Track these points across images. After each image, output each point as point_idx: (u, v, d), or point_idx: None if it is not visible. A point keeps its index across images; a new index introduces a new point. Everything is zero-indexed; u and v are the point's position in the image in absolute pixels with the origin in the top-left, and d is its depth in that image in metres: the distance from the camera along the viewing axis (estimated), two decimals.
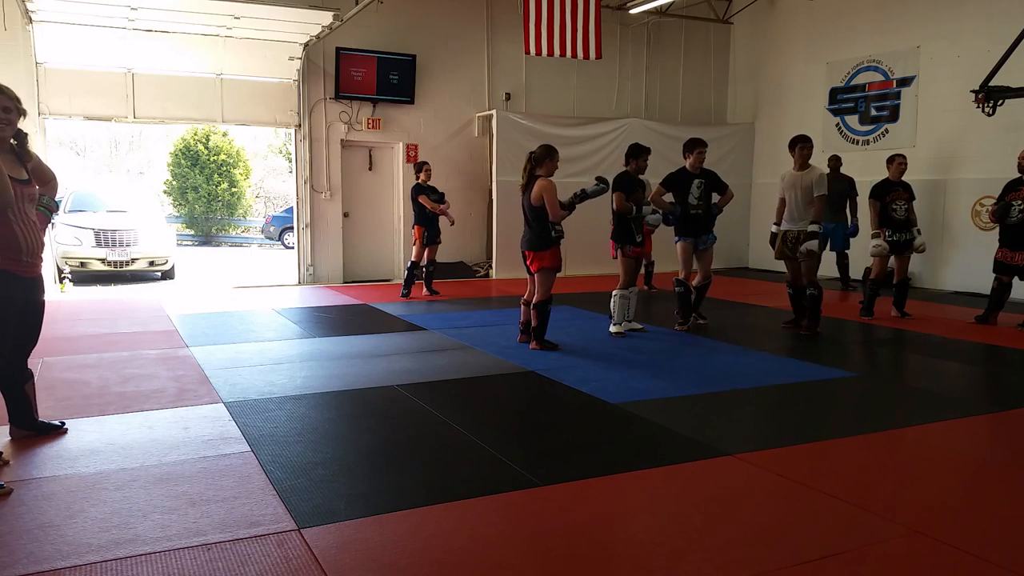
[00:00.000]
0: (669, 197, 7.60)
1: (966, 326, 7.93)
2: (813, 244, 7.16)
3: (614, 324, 7.32)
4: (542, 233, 6.48)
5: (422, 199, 9.62)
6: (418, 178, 9.71)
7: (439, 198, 9.79)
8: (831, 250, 10.81)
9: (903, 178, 8.24)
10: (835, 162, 10.69)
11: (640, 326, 7.55)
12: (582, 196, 6.60)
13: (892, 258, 8.27)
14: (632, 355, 6.49)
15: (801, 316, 7.60)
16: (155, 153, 31.67)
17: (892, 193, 8.14)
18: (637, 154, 7.24)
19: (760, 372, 5.92)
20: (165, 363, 6.07)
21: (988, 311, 8.02)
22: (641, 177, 7.37)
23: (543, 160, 6.47)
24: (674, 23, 13.59)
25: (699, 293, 7.84)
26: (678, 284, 7.70)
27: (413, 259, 9.94)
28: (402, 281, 10.27)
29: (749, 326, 8.04)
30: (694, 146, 7.58)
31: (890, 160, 8.33)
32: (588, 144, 12.39)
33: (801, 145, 7.26)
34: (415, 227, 9.84)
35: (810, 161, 7.32)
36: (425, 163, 9.84)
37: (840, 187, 10.57)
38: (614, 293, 7.30)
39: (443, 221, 9.90)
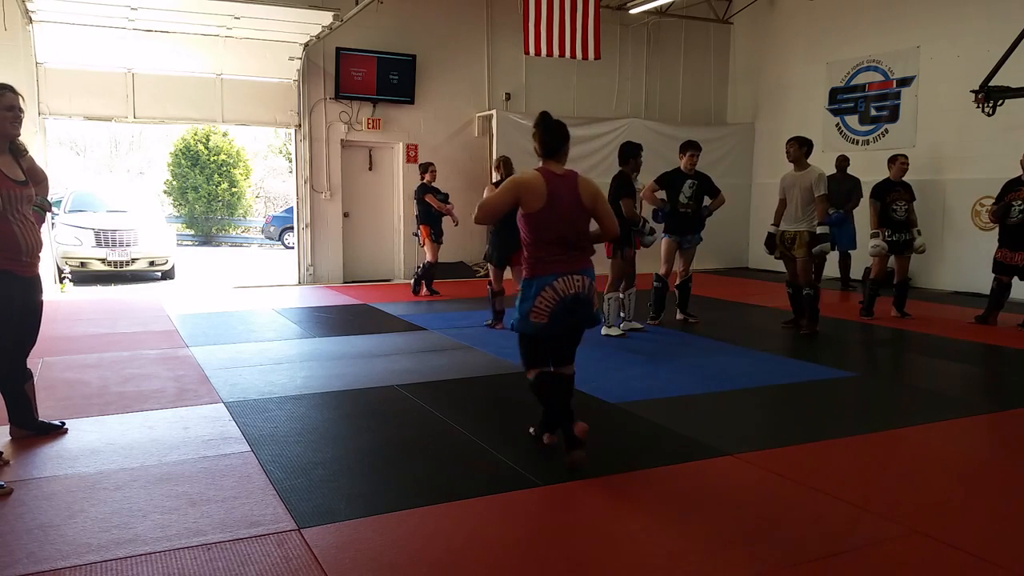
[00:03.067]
0: (661, 194, 7.78)
1: (966, 326, 7.92)
2: (826, 247, 7.25)
3: (607, 326, 7.27)
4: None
5: (428, 198, 9.66)
6: (423, 178, 9.76)
7: (444, 198, 9.84)
8: (835, 249, 10.82)
9: (904, 178, 8.24)
10: (843, 162, 10.70)
11: (640, 326, 7.56)
12: None
13: (892, 258, 8.26)
14: (632, 355, 6.49)
15: (800, 315, 7.62)
16: (155, 153, 31.65)
17: (892, 193, 8.13)
18: (636, 152, 7.18)
19: (760, 372, 5.92)
20: (165, 363, 6.07)
21: (988, 311, 8.02)
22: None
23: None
24: (674, 23, 13.59)
25: (683, 291, 7.97)
26: (657, 279, 7.90)
27: (429, 260, 9.95)
28: (411, 281, 10.47)
29: (749, 326, 8.05)
30: (688, 148, 7.79)
31: (892, 160, 8.32)
32: (588, 144, 12.38)
33: (798, 145, 7.29)
34: (422, 226, 9.86)
35: (809, 161, 7.35)
36: (431, 164, 9.89)
37: (846, 186, 10.59)
38: (608, 296, 7.22)
39: (446, 221, 9.94)
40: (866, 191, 10.59)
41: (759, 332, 7.68)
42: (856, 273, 10.93)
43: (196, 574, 2.76)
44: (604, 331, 7.27)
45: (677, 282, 8.02)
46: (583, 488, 3.60)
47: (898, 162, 8.25)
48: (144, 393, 5.17)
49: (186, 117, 11.32)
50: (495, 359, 6.32)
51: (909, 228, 8.12)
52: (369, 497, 3.48)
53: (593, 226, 3.95)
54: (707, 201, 7.90)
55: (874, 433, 4.47)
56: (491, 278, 7.92)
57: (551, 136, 3.86)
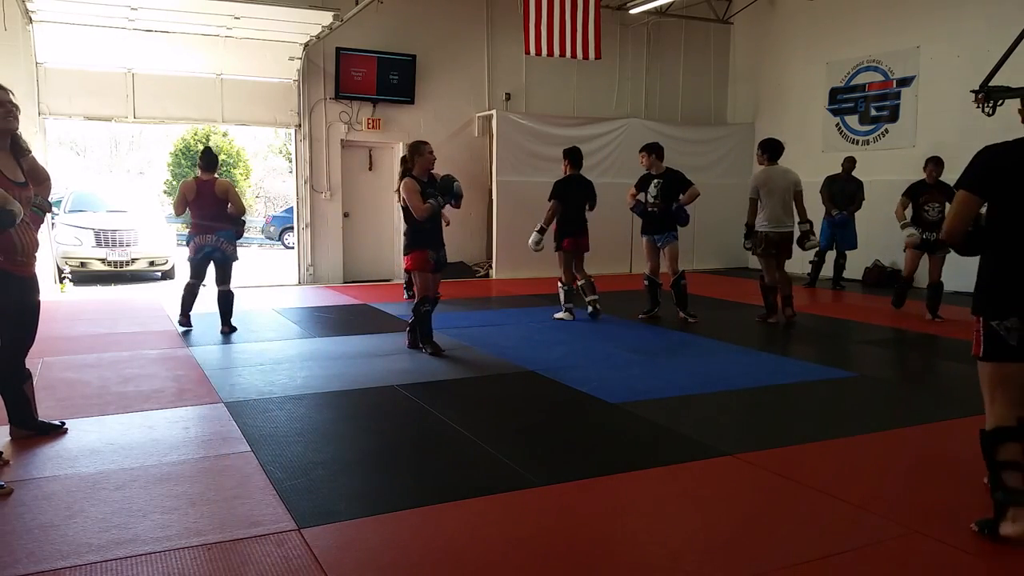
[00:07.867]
0: (640, 196, 8.19)
1: (964, 325, 7.90)
2: (815, 241, 7.70)
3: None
4: (409, 234, 6.39)
5: None
6: None
7: None
8: (836, 249, 10.82)
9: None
10: (849, 163, 10.68)
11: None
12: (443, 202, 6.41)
13: (925, 256, 8.26)
14: (632, 355, 6.49)
15: (773, 311, 7.98)
16: (155, 153, 31.69)
17: (925, 195, 8.20)
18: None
19: (760, 372, 5.92)
20: (165, 363, 6.07)
21: None
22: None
23: (413, 158, 6.25)
24: (674, 23, 13.59)
25: (678, 291, 8.04)
26: (646, 278, 8.34)
27: None
28: (403, 282, 10.30)
29: (748, 326, 8.04)
30: (641, 150, 8.20)
31: (929, 162, 8.38)
32: (588, 144, 12.30)
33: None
34: None
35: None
36: None
37: (851, 188, 10.59)
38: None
39: None
40: (866, 191, 10.65)
41: (758, 332, 7.68)
42: (854, 274, 10.93)
43: (196, 574, 2.76)
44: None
45: (670, 282, 8.06)
46: (583, 488, 3.60)
47: (930, 166, 8.32)
48: (144, 393, 5.17)
49: (186, 117, 11.32)
50: (495, 359, 6.32)
51: (940, 229, 8.07)
52: (369, 497, 3.48)
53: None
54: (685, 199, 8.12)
55: (874, 433, 4.47)
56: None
57: (208, 161, 7.17)
